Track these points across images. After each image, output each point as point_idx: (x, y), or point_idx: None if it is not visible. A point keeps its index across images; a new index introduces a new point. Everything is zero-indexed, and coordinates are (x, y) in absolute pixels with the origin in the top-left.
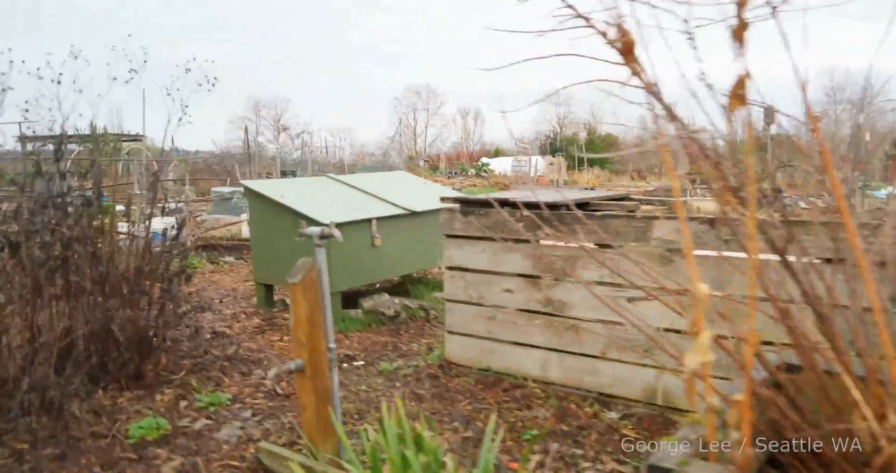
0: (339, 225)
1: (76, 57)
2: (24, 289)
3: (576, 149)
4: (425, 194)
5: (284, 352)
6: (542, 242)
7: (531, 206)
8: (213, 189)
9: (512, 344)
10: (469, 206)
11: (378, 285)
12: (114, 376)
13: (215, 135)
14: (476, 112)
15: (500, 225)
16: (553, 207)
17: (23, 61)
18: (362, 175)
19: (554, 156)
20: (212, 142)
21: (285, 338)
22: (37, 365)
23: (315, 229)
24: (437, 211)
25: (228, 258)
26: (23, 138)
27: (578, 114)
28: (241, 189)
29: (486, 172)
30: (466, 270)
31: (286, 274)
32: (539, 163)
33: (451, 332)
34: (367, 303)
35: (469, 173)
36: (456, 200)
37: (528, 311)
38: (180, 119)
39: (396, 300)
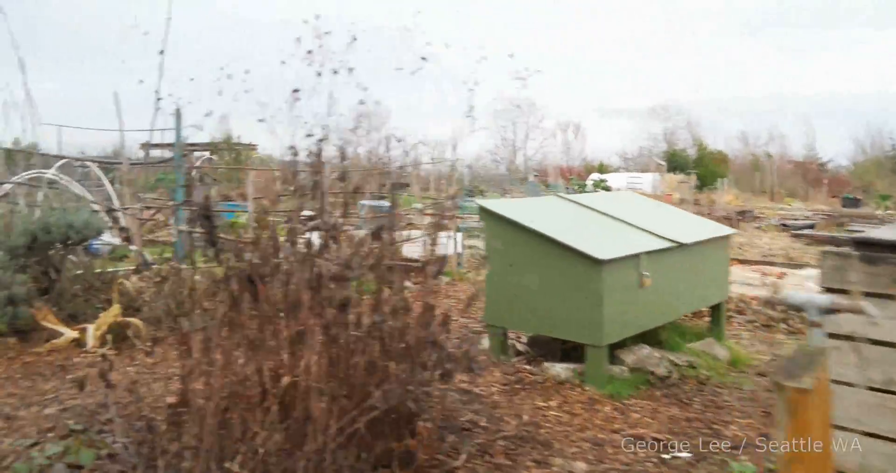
0: (609, 262)
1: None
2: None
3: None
4: (674, 220)
5: (569, 430)
6: None
7: None
8: (363, 202)
9: None
10: (878, 250)
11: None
12: (384, 461)
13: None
14: (576, 126)
15: None
16: None
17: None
18: (589, 196)
19: (675, 173)
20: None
21: (550, 403)
22: (329, 452)
23: (820, 299)
24: (705, 243)
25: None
26: (146, 146)
27: (677, 129)
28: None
29: (604, 189)
30: (865, 340)
31: (532, 317)
32: (656, 180)
33: (839, 427)
34: (628, 358)
35: (585, 190)
36: (854, 241)
37: None
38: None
39: (657, 354)
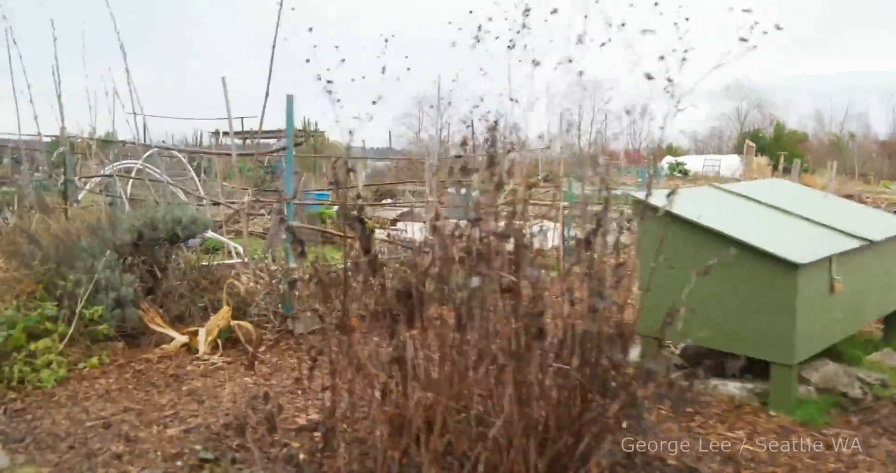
0: (805, 266)
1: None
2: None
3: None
4: (850, 213)
5: (777, 472)
6: None
7: None
8: (451, 190)
9: None
10: None
11: None
12: None
13: (378, 132)
14: (643, 108)
15: None
16: None
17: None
18: (742, 186)
19: (760, 155)
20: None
21: (737, 432)
22: None
23: None
24: (894, 239)
25: None
26: (217, 134)
27: (744, 109)
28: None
29: (681, 172)
30: None
31: (698, 327)
32: (734, 162)
33: None
34: (813, 376)
35: (662, 174)
36: None
37: None
38: None
39: (843, 371)
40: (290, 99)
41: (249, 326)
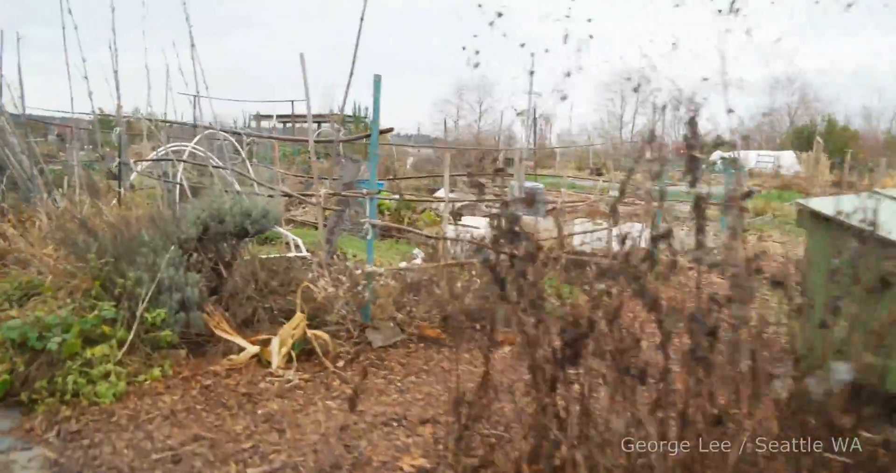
0: None
1: None
2: None
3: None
4: None
5: None
6: None
7: None
8: (512, 183)
9: None
10: None
11: None
12: None
13: (420, 118)
14: (689, 100)
15: None
16: None
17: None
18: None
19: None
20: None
21: None
22: None
23: None
24: None
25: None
26: (258, 117)
27: (801, 104)
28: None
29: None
30: None
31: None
32: (789, 159)
33: None
34: None
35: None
36: None
37: None
38: None
39: None
40: (377, 79)
41: (327, 337)
